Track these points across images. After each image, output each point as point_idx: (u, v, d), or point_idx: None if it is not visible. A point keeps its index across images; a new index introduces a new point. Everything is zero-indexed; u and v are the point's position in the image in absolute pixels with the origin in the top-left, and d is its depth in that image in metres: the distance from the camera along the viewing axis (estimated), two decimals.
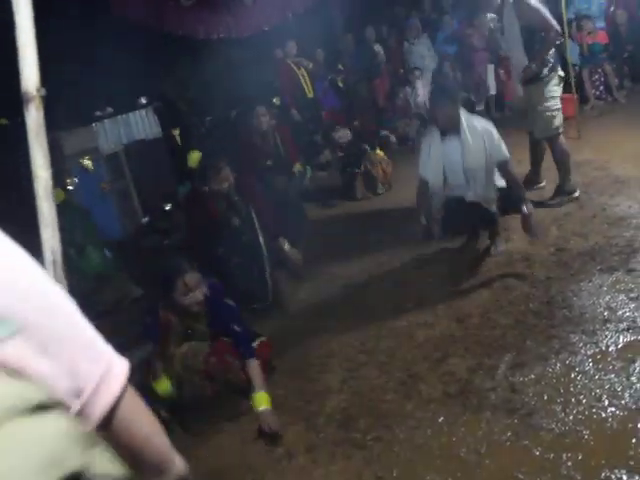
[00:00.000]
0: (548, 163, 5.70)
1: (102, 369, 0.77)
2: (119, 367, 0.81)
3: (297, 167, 6.47)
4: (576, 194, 5.36)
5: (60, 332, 0.73)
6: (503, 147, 4.38)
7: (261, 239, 4.66)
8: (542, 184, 5.90)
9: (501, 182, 4.52)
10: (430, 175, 4.55)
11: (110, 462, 0.68)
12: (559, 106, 5.34)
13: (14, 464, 0.55)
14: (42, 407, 0.61)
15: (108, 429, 0.78)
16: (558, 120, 5.32)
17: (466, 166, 4.40)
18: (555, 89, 5.34)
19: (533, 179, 5.92)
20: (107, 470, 0.66)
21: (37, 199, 1.09)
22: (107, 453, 0.68)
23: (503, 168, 4.42)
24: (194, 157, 4.75)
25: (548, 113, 5.29)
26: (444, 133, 4.49)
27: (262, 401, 3.24)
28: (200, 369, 3.40)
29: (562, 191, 5.40)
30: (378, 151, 7.53)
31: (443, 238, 4.77)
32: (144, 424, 0.84)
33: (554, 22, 5.22)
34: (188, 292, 3.29)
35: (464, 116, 4.45)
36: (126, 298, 5.31)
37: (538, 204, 5.15)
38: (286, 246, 4.86)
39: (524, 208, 4.27)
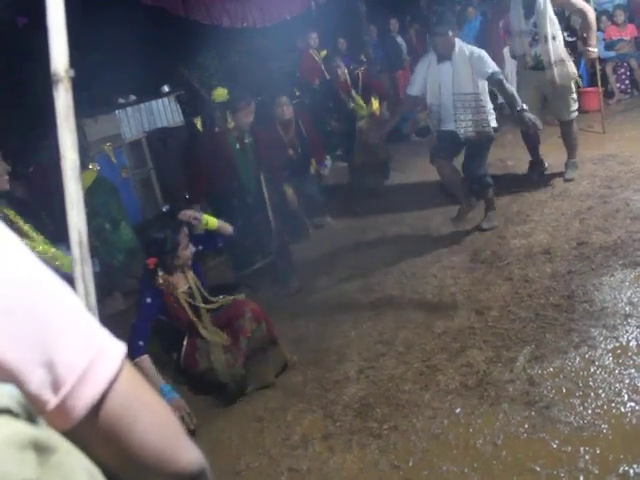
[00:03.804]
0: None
1: (88, 359, 0.67)
2: (111, 355, 0.71)
3: (313, 166, 6.41)
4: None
5: (35, 319, 0.64)
6: (491, 63, 4.77)
7: (266, 195, 4.89)
8: (546, 165, 6.14)
9: (493, 123, 4.96)
10: (428, 93, 5.05)
11: (73, 471, 0.59)
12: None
13: None
14: None
15: (95, 425, 0.69)
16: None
17: (456, 91, 4.84)
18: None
19: (537, 164, 6.10)
20: None
21: (64, 180, 1.10)
22: (71, 460, 0.59)
23: (494, 80, 4.77)
24: (220, 92, 4.76)
25: (574, 95, 5.71)
26: (440, 58, 4.93)
27: (211, 221, 3.96)
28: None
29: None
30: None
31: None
32: (144, 419, 0.73)
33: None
34: (188, 244, 3.57)
35: (457, 44, 4.86)
36: None
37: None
38: (289, 192, 5.15)
39: (522, 114, 4.66)
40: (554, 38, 5.43)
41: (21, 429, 0.55)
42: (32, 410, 0.58)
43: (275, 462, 2.97)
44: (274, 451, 3.05)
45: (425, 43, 10.64)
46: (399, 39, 10.48)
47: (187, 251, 3.57)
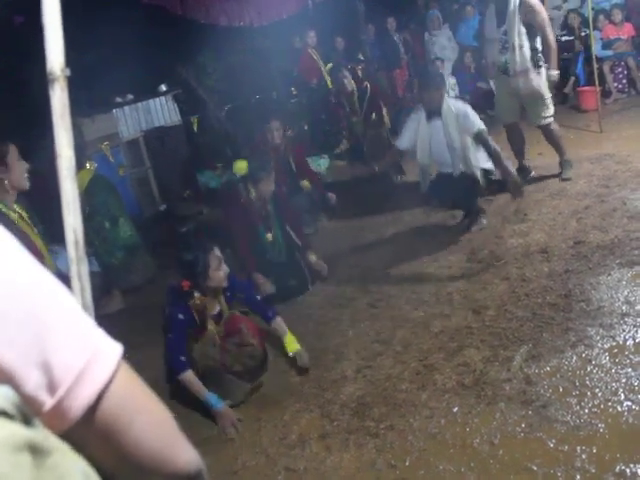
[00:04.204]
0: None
1: (85, 360, 0.67)
2: (107, 356, 0.71)
3: (305, 184, 6.36)
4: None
5: (32, 320, 0.64)
6: (476, 120, 4.84)
7: (296, 242, 4.93)
8: (533, 173, 6.14)
9: (488, 164, 5.03)
10: (418, 152, 5.13)
11: (69, 473, 0.58)
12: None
13: None
14: None
15: (92, 426, 0.69)
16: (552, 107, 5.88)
17: (449, 145, 4.92)
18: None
19: (523, 171, 6.08)
20: None
21: (60, 179, 1.10)
22: (67, 462, 0.59)
23: (479, 138, 4.82)
24: (241, 165, 4.82)
25: (545, 100, 5.74)
26: (429, 115, 5.01)
27: (292, 342, 3.76)
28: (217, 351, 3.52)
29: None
30: None
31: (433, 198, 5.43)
32: (141, 420, 0.73)
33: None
34: (220, 265, 3.48)
35: (445, 100, 4.99)
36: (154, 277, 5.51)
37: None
38: (313, 258, 4.94)
39: (506, 172, 4.71)
40: (521, 47, 5.52)
41: (16, 431, 0.55)
42: (28, 411, 0.58)
43: (272, 461, 2.97)
44: (271, 450, 3.05)
45: (422, 42, 10.65)
46: (396, 38, 10.49)
47: (219, 272, 3.48)
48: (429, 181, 5.25)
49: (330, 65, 8.76)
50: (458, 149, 4.93)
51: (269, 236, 4.78)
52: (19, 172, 3.09)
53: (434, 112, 4.97)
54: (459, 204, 5.27)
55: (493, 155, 4.78)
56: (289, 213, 5.03)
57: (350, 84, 7.49)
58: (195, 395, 3.36)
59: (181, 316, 3.43)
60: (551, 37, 5.58)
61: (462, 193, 5.04)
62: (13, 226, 2.99)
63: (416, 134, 5.11)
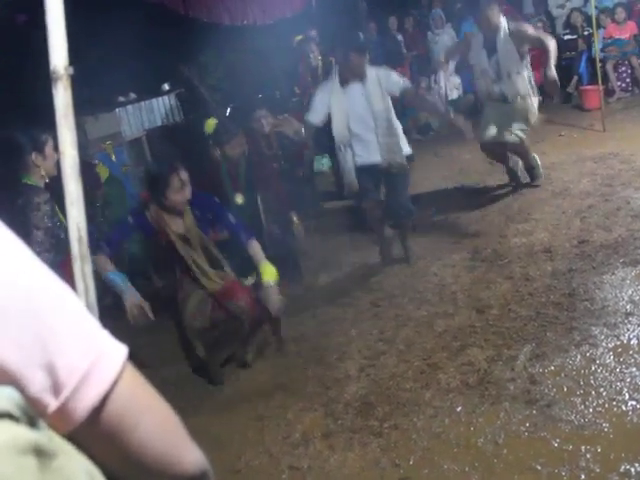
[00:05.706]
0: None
1: (89, 361, 0.67)
2: (112, 357, 0.70)
3: (306, 153, 6.25)
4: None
5: (35, 321, 0.64)
6: (400, 80, 4.60)
7: (263, 220, 4.72)
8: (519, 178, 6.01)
9: (406, 148, 4.67)
10: (335, 126, 4.63)
11: (74, 475, 0.59)
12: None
13: None
14: None
15: (97, 427, 0.68)
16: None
17: (373, 109, 4.51)
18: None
19: (529, 169, 5.97)
20: None
21: (64, 177, 1.10)
22: (72, 464, 0.59)
23: (408, 94, 4.60)
24: (210, 123, 4.75)
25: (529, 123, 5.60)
26: (345, 81, 4.58)
27: (268, 271, 3.61)
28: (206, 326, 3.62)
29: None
30: None
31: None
32: (146, 421, 0.73)
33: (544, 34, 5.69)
34: (181, 189, 3.48)
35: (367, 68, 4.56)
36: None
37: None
38: (295, 219, 4.86)
39: (452, 119, 4.55)
40: (518, 74, 5.38)
41: (21, 434, 0.54)
42: (32, 413, 0.58)
43: (275, 460, 2.97)
44: (274, 449, 3.05)
45: (425, 40, 10.65)
46: (399, 36, 10.50)
47: (178, 195, 3.48)
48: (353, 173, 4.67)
49: (300, 37, 8.67)
50: (381, 113, 4.50)
51: (238, 197, 4.58)
52: (53, 162, 3.24)
53: (354, 77, 4.51)
54: (392, 210, 4.78)
55: (430, 104, 4.61)
56: (267, 177, 4.78)
57: (315, 59, 7.35)
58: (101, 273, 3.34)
59: (130, 219, 3.55)
60: (550, 43, 5.33)
61: (394, 194, 4.67)
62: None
63: (329, 106, 4.61)
